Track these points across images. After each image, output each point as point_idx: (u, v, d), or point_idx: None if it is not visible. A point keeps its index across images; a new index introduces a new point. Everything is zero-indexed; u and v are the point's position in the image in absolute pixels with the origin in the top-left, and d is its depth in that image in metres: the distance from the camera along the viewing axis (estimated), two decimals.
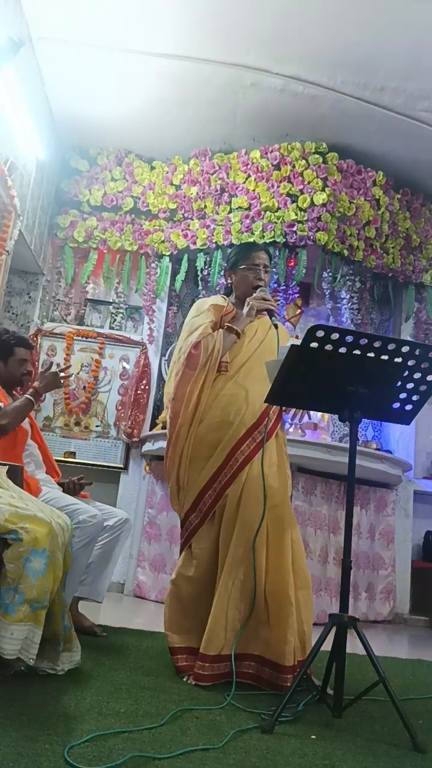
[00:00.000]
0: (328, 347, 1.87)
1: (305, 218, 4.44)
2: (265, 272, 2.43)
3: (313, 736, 1.67)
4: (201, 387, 2.25)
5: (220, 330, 2.32)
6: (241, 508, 2.18)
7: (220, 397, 2.28)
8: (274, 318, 2.37)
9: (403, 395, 2.03)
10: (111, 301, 5.01)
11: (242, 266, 2.43)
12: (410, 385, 2.00)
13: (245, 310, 2.34)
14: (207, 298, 2.51)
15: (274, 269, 4.54)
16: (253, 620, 2.15)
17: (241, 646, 2.14)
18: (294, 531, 2.27)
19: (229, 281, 2.51)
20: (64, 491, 2.73)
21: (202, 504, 2.23)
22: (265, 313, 2.36)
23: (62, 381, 2.71)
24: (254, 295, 2.35)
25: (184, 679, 2.11)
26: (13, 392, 2.79)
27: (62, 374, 2.69)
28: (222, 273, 4.69)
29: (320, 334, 1.85)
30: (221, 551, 2.19)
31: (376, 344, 1.87)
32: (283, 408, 2.39)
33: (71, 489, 2.81)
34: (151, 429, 4.64)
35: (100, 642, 2.58)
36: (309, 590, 2.27)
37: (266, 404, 2.21)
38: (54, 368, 2.71)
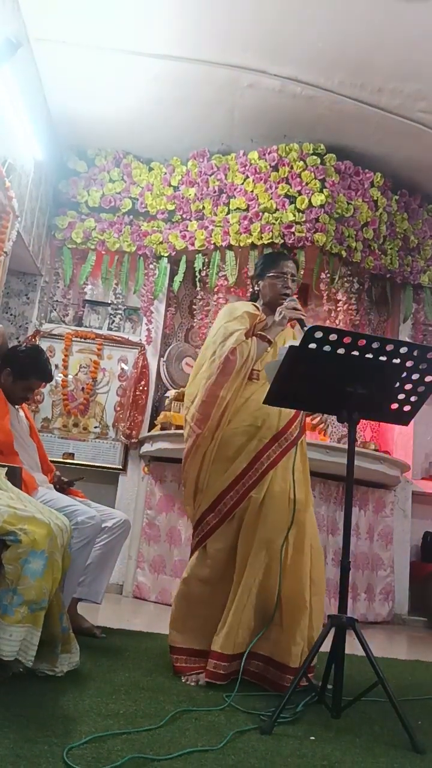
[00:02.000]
0: (327, 348, 1.88)
1: (303, 219, 4.44)
2: (292, 281, 2.47)
3: (312, 737, 1.67)
4: (233, 392, 2.27)
5: (254, 337, 2.35)
6: (264, 512, 2.20)
7: (249, 402, 2.30)
8: (304, 327, 2.39)
9: (401, 396, 2.04)
10: (109, 302, 5.01)
11: (270, 274, 2.47)
12: (408, 386, 2.00)
13: (277, 318, 2.36)
14: (237, 303, 2.53)
15: None
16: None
17: (253, 646, 2.16)
18: (314, 538, 2.30)
19: (255, 289, 2.54)
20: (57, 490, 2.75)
21: (222, 505, 2.24)
22: (296, 322, 2.37)
23: None
24: (285, 303, 2.37)
25: (183, 680, 2.12)
26: (20, 405, 2.84)
27: None
28: (219, 275, 4.71)
29: (318, 335, 1.86)
30: (240, 553, 2.20)
31: (374, 345, 1.88)
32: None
33: (61, 487, 2.83)
34: (149, 430, 4.63)
35: (99, 643, 2.58)
36: (323, 597, 2.30)
37: (294, 411, 2.24)
38: None
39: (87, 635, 2.61)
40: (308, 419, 2.47)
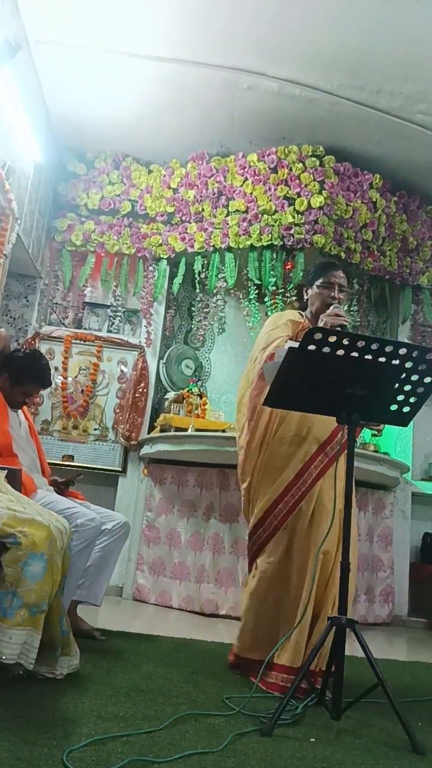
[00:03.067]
0: (326, 349, 1.88)
1: (302, 221, 4.45)
2: (341, 291, 2.45)
3: (312, 739, 1.67)
4: None
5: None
6: (316, 523, 2.22)
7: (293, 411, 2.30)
8: None
9: (400, 397, 2.04)
10: (109, 304, 5.01)
11: (318, 283, 2.47)
12: (407, 388, 2.01)
13: (320, 325, 2.32)
14: (283, 312, 2.56)
15: (272, 272, 4.56)
16: (301, 630, 2.18)
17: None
18: (353, 547, 2.29)
19: (305, 297, 2.55)
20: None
21: (272, 518, 2.26)
22: (339, 328, 2.36)
23: None
24: (328, 311, 2.33)
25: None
26: (21, 408, 2.84)
27: None
28: (218, 276, 4.71)
29: (318, 336, 1.86)
30: (298, 565, 2.21)
31: (374, 346, 1.88)
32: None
33: (59, 489, 2.83)
34: (149, 432, 4.63)
35: (99, 646, 2.58)
36: (350, 604, 2.31)
37: None
38: None
39: (87, 638, 2.60)
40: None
